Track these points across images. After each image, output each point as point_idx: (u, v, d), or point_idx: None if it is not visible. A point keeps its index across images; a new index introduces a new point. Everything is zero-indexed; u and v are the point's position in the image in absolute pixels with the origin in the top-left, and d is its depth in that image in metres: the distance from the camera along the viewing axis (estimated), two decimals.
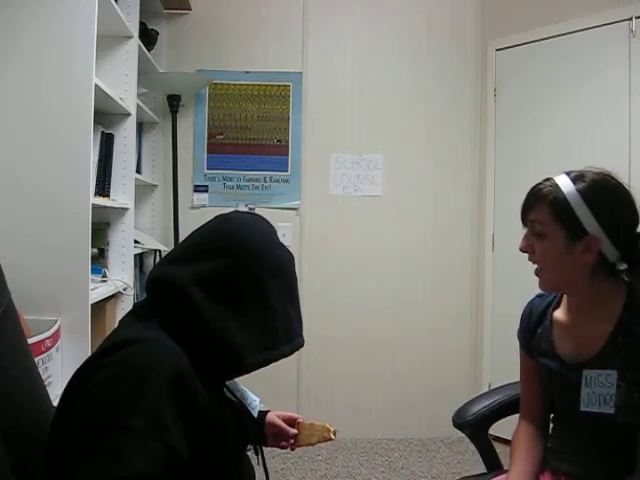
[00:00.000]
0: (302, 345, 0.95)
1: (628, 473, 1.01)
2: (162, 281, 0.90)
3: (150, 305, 0.91)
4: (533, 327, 1.22)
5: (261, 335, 0.89)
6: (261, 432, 1.18)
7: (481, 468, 1.42)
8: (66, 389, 0.84)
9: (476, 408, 1.40)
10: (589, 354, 1.07)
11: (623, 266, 1.07)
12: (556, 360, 1.14)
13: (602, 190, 1.04)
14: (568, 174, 1.08)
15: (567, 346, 1.13)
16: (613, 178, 1.07)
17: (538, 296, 1.24)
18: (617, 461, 1.04)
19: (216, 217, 0.99)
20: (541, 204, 1.07)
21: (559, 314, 1.17)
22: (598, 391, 1.04)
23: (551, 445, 1.20)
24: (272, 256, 0.94)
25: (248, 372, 0.89)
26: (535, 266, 1.12)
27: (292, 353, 0.92)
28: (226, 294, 0.88)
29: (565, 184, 1.05)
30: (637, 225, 1.06)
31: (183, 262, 0.90)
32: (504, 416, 1.38)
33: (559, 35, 2.59)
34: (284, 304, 0.93)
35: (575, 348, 1.11)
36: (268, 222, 1.01)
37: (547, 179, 1.10)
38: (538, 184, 1.11)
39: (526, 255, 1.12)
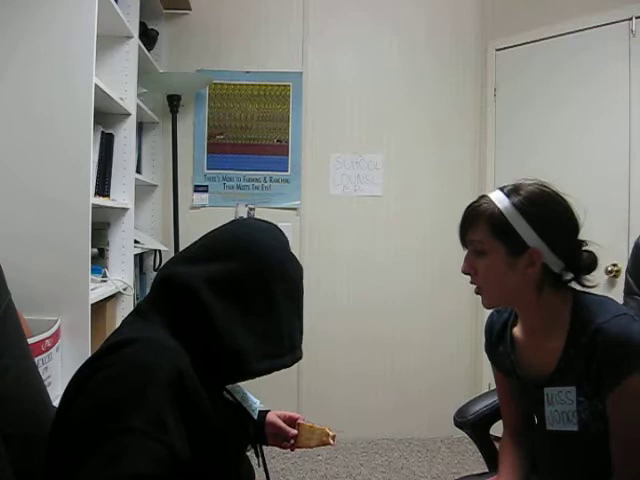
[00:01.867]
0: (300, 358, 0.95)
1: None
2: (173, 279, 0.90)
3: (156, 303, 0.91)
4: (495, 343, 1.20)
5: (266, 342, 0.89)
6: (261, 432, 1.18)
7: (480, 468, 1.42)
8: (67, 389, 0.84)
9: (477, 407, 1.41)
10: (547, 372, 1.05)
11: (569, 276, 1.05)
12: (519, 379, 1.13)
13: (538, 201, 1.02)
14: (502, 189, 1.06)
15: (527, 365, 1.11)
16: (548, 187, 1.05)
17: (496, 311, 1.22)
18: (592, 469, 1.03)
19: (232, 221, 1.00)
20: (478, 222, 1.04)
21: (517, 331, 1.15)
22: (561, 409, 1.03)
23: (536, 454, 1.19)
24: (284, 266, 0.95)
25: (250, 378, 0.89)
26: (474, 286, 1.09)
27: (292, 364, 0.93)
28: (236, 298, 0.88)
29: (500, 199, 1.03)
30: (578, 232, 1.04)
31: (196, 262, 0.91)
32: None
33: (559, 35, 2.59)
34: (290, 315, 0.93)
35: (535, 367, 1.09)
36: (282, 232, 1.01)
37: (482, 196, 1.08)
38: (473, 203, 1.08)
39: None
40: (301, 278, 0.99)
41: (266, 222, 1.02)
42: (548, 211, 1.02)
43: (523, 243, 1.00)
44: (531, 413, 1.18)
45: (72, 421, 0.77)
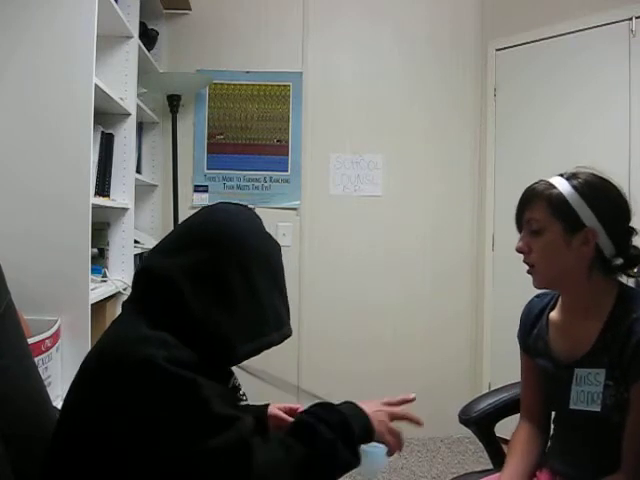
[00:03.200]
0: (290, 334, 0.95)
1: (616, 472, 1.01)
2: (151, 273, 0.91)
3: (137, 299, 0.92)
4: (530, 327, 1.23)
5: (250, 324, 0.89)
6: (265, 425, 1.18)
7: (480, 468, 1.42)
8: (73, 396, 0.84)
9: (482, 405, 1.42)
10: (580, 353, 1.08)
11: (619, 261, 1.08)
12: (551, 360, 1.15)
13: (596, 185, 1.07)
14: (559, 175, 1.11)
15: (561, 346, 1.14)
16: (603, 175, 1.10)
17: (537, 297, 1.25)
18: (607, 461, 1.03)
19: (202, 208, 1.00)
20: (537, 201, 1.08)
21: (555, 315, 1.18)
22: (587, 389, 1.05)
23: (550, 444, 1.21)
24: (258, 245, 0.95)
25: (240, 362, 0.90)
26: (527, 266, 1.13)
27: (281, 342, 0.93)
28: (214, 284, 0.88)
29: (560, 182, 1.08)
30: (630, 219, 1.09)
31: (171, 253, 0.91)
32: (510, 414, 1.39)
33: (559, 35, 2.59)
34: (271, 293, 0.93)
35: (568, 348, 1.12)
36: (254, 212, 1.02)
37: (540, 180, 1.12)
38: (532, 184, 1.12)
39: None
40: (279, 255, 0.98)
41: (238, 204, 1.02)
42: (605, 195, 1.07)
43: (580, 222, 1.04)
44: (554, 395, 1.18)
45: (115, 415, 0.78)
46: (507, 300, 2.67)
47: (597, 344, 1.06)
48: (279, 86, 2.90)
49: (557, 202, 1.05)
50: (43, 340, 1.45)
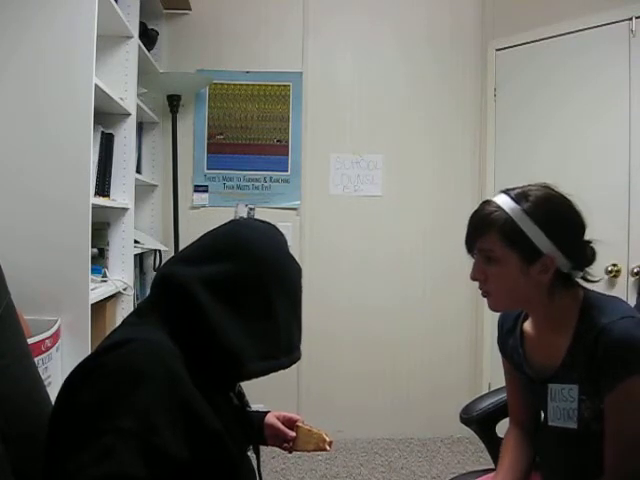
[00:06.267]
0: (299, 358, 0.95)
1: None
2: (170, 279, 0.90)
3: (154, 304, 0.91)
4: (505, 336, 1.21)
5: (263, 344, 0.89)
6: (261, 433, 1.18)
7: (480, 468, 1.42)
8: (64, 385, 0.84)
9: (483, 404, 1.42)
10: (552, 368, 1.06)
11: (579, 275, 1.05)
12: (526, 374, 1.13)
13: (548, 206, 1.01)
14: (507, 193, 1.04)
15: (535, 360, 1.12)
16: (554, 190, 1.04)
17: None
18: (591, 474, 1.01)
19: (230, 221, 1.00)
20: (489, 231, 1.01)
21: (528, 326, 1.15)
22: (562, 405, 1.03)
23: (537, 459, 1.20)
24: (281, 266, 0.94)
25: (246, 379, 0.89)
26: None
27: (290, 366, 0.92)
28: (232, 299, 0.88)
29: (510, 207, 1.01)
30: (584, 232, 1.04)
31: (193, 263, 0.91)
32: None
33: (559, 35, 2.59)
34: (287, 316, 0.93)
35: (541, 362, 1.09)
36: (281, 232, 1.01)
37: (486, 202, 1.05)
38: (480, 209, 1.05)
39: None
40: (299, 278, 0.98)
41: (264, 222, 1.02)
42: (558, 215, 1.02)
43: (537, 250, 0.99)
44: (538, 409, 1.18)
45: (67, 416, 0.78)
46: None
47: (566, 359, 1.03)
48: (279, 86, 2.90)
49: (511, 232, 0.99)
50: (43, 340, 1.45)
